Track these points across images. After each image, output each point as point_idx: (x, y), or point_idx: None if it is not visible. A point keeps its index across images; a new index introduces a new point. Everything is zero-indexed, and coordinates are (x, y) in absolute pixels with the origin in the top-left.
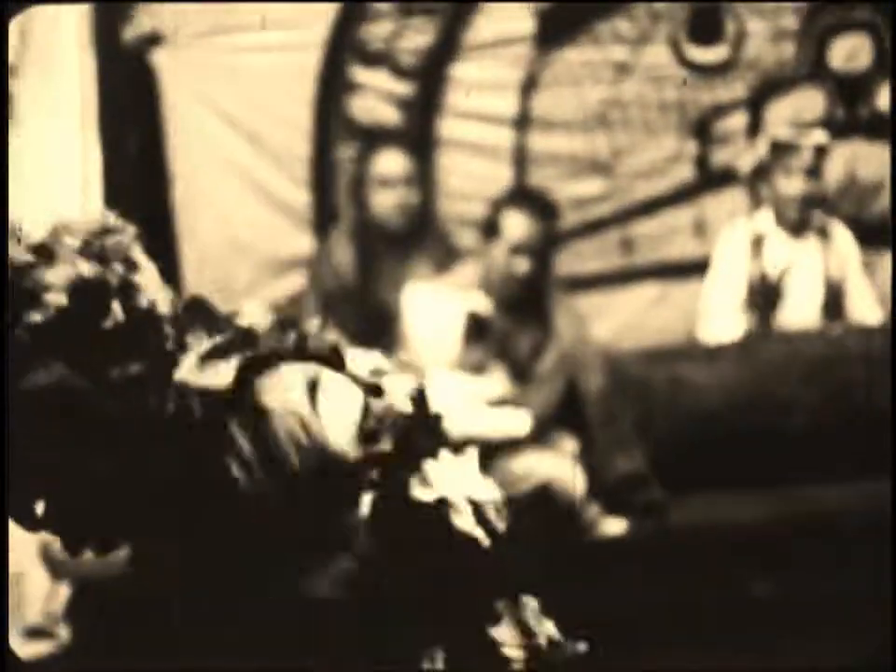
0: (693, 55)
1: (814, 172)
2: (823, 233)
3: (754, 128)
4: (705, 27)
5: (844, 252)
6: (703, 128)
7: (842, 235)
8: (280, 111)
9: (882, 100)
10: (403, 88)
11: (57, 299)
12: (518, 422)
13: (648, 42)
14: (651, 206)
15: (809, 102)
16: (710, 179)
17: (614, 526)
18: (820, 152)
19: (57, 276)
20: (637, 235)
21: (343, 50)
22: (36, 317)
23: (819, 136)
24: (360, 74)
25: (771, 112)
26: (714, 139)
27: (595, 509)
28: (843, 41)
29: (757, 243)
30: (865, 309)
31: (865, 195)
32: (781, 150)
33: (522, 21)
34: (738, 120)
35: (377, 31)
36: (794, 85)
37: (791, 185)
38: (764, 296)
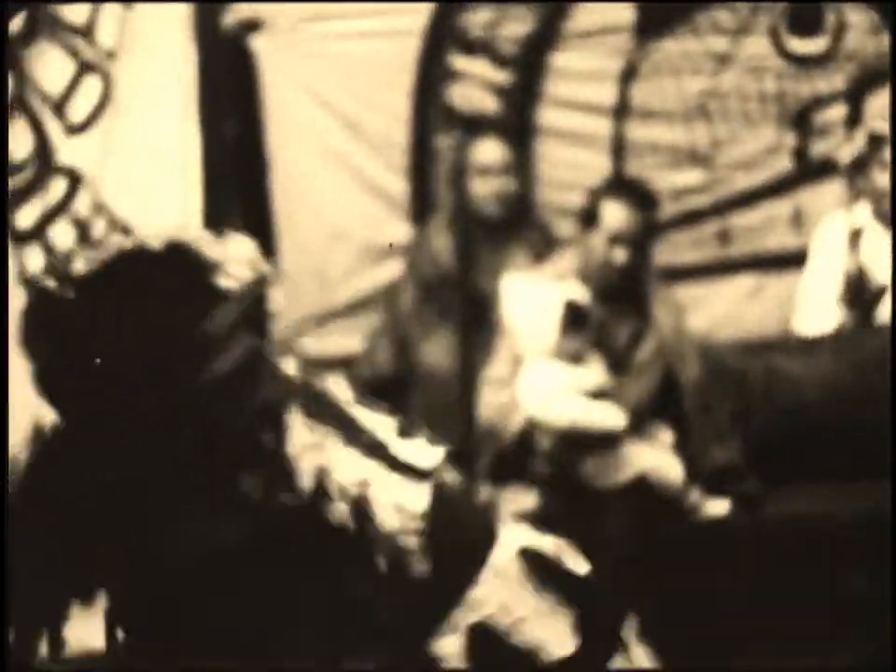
0: (793, 46)
1: None
2: None
3: (853, 120)
4: (805, 18)
5: None
6: (802, 119)
7: None
8: (379, 98)
9: None
10: (503, 76)
11: (242, 273)
12: (614, 417)
13: (747, 33)
14: (750, 198)
15: None
16: (809, 171)
17: (717, 507)
18: None
19: (236, 252)
20: (734, 226)
21: (443, 38)
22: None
23: None
24: (460, 62)
25: (869, 104)
26: (813, 131)
27: (696, 492)
28: None
29: (855, 235)
30: None
31: None
32: (879, 143)
33: (622, 11)
34: (837, 112)
35: (477, 19)
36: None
37: (888, 178)
38: (861, 289)
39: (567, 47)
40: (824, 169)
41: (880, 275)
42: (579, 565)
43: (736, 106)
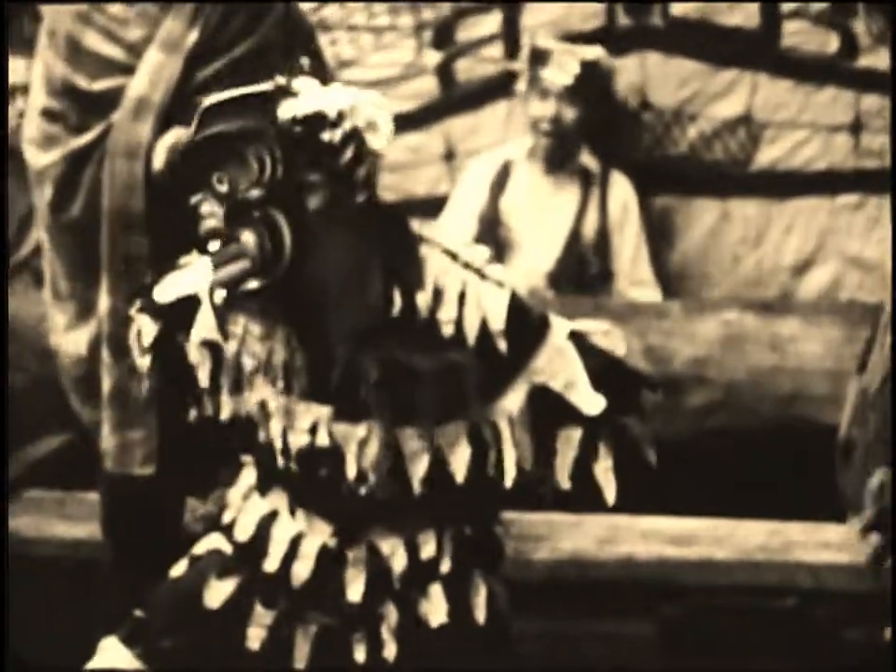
0: None
1: None
2: None
3: (510, 35)
4: None
5: None
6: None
7: None
8: None
9: None
10: None
11: None
12: None
13: None
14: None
15: None
16: (459, 99)
17: None
18: None
19: None
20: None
21: None
22: None
23: None
24: None
25: (528, 15)
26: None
27: None
28: None
29: (501, 175)
30: None
31: None
32: (540, 61)
33: None
34: (489, 24)
35: None
36: None
37: (548, 107)
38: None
39: None
40: (484, 95)
41: (516, 224)
42: (615, 344)
43: (360, 19)
